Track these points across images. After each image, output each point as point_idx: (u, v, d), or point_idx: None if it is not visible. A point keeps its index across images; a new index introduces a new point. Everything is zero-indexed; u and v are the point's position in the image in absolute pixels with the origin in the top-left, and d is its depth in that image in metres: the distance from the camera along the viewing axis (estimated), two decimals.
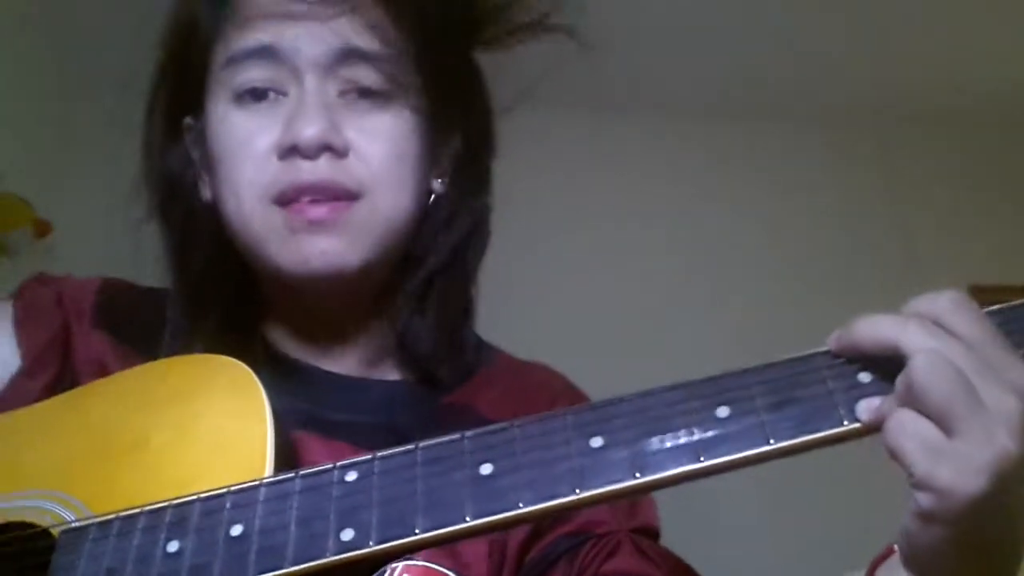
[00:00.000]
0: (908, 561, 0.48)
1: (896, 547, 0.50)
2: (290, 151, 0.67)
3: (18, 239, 2.27)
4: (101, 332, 0.74)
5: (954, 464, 0.43)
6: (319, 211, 0.67)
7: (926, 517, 0.45)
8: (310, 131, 0.66)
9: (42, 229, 2.33)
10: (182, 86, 0.74)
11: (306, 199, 0.67)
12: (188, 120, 0.75)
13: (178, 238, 0.74)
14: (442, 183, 0.76)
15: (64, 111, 2.65)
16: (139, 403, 0.62)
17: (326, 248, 0.68)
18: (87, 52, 2.55)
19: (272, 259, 0.69)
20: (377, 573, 0.59)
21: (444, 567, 0.65)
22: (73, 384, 0.70)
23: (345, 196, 0.68)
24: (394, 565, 0.61)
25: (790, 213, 3.05)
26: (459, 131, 0.76)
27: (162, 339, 0.71)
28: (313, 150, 0.67)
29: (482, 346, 0.81)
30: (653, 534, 0.74)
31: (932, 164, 3.16)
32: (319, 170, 0.67)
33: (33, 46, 2.49)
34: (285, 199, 0.68)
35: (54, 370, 0.72)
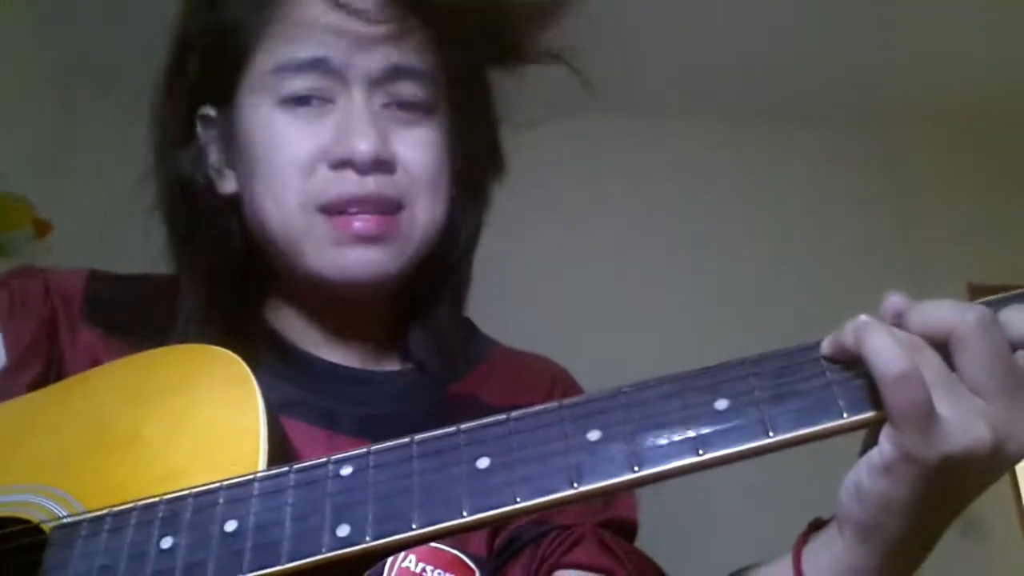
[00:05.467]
0: (849, 522, 0.49)
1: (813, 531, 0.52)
2: (343, 163, 0.69)
3: (18, 239, 2.27)
4: (92, 327, 0.74)
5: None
6: (367, 226, 0.69)
7: (888, 469, 0.46)
8: (365, 147, 0.68)
9: (42, 229, 2.32)
10: (207, 80, 0.74)
11: (354, 208, 0.69)
12: (208, 111, 0.75)
13: (186, 231, 0.75)
14: (453, 187, 0.77)
15: (64, 111, 2.65)
16: (130, 394, 0.61)
17: (370, 259, 0.70)
18: (87, 52, 2.55)
19: (309, 265, 0.70)
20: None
21: (446, 545, 0.67)
22: (60, 379, 0.69)
23: (390, 208, 0.70)
24: None
25: (791, 212, 3.05)
26: (471, 142, 0.78)
27: (153, 328, 0.71)
28: (367, 166, 0.68)
29: (479, 337, 0.83)
30: (627, 527, 0.75)
31: (932, 164, 3.16)
32: (369, 184, 0.69)
33: (33, 46, 2.49)
34: (332, 209, 0.69)
35: (41, 366, 0.71)
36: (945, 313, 0.46)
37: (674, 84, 2.92)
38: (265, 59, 0.71)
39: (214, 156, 0.75)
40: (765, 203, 3.05)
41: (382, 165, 0.69)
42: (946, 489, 0.46)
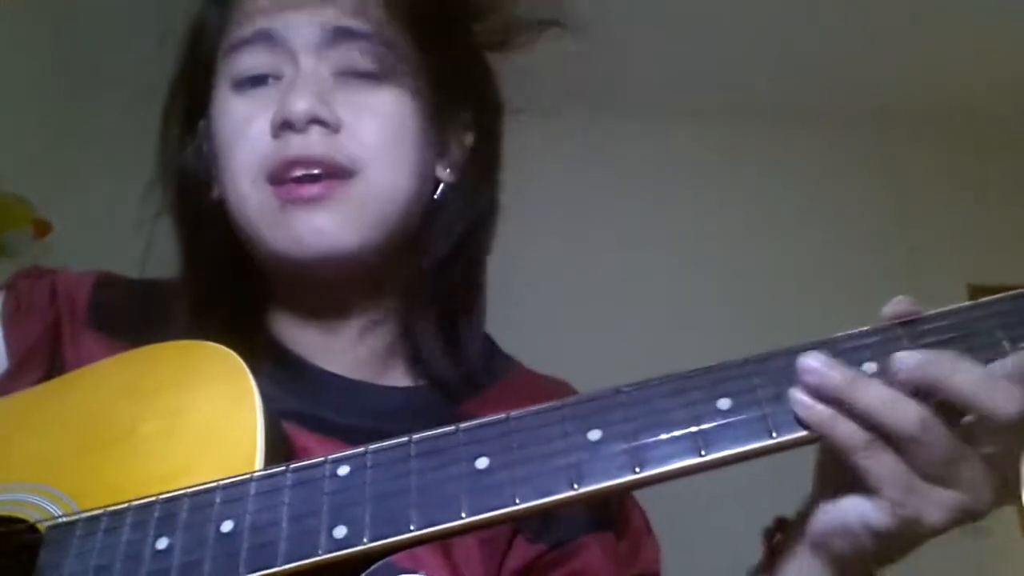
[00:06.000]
0: (823, 549, 0.50)
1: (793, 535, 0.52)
2: (282, 127, 0.67)
3: (18, 239, 2.27)
4: (96, 331, 0.73)
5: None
6: (311, 188, 0.66)
7: (884, 536, 0.47)
8: (300, 105, 0.66)
9: (42, 229, 2.32)
10: (196, 89, 0.74)
11: (299, 172, 0.67)
12: (203, 122, 0.75)
13: (189, 235, 0.74)
14: (450, 172, 0.75)
15: (64, 111, 2.65)
16: (126, 391, 0.61)
17: (320, 226, 0.67)
18: (87, 53, 2.55)
19: (267, 242, 0.69)
20: None
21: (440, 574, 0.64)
22: None
23: (338, 173, 0.67)
24: None
25: (790, 212, 3.05)
26: (468, 120, 0.75)
27: (158, 334, 0.70)
28: (303, 122, 0.66)
29: (498, 356, 0.80)
30: None
31: (932, 164, 3.16)
32: (311, 144, 0.67)
33: (33, 46, 2.48)
34: (278, 176, 0.67)
35: (43, 369, 0.70)
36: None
37: (674, 84, 2.92)
38: (224, 48, 0.71)
39: (209, 159, 0.74)
40: (765, 203, 3.05)
41: (322, 124, 0.67)
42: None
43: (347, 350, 0.74)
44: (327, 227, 0.67)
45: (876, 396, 0.45)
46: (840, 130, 3.11)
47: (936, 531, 0.46)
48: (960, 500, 0.45)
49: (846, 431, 0.45)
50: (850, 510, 0.47)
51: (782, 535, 0.53)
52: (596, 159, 3.01)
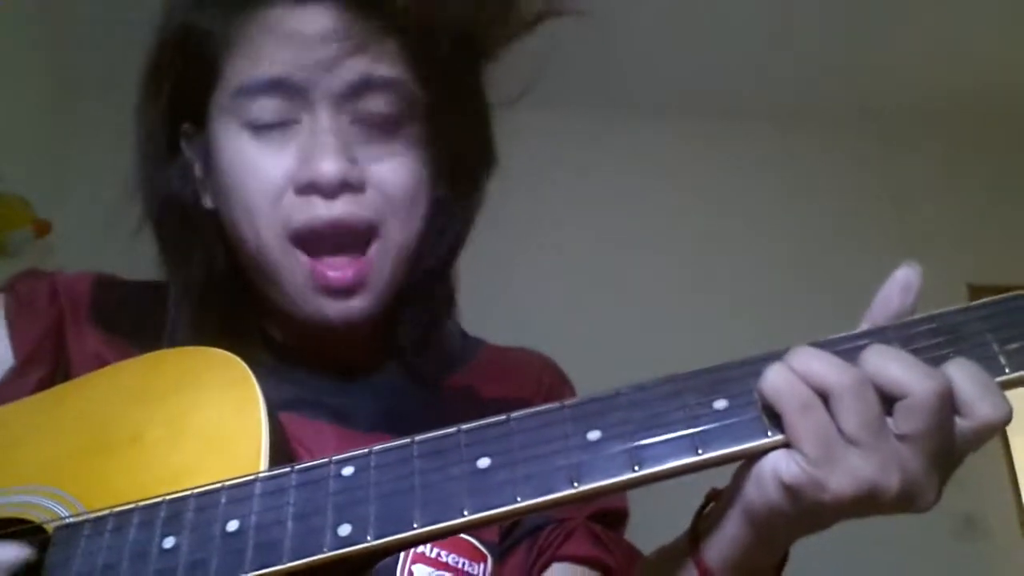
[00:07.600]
0: (740, 505, 0.51)
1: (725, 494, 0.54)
2: (308, 187, 0.67)
3: (18, 239, 2.27)
4: (97, 328, 0.74)
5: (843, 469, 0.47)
6: (344, 276, 0.68)
7: (790, 490, 0.48)
8: (330, 169, 0.66)
9: (42, 229, 2.33)
10: (182, 97, 0.72)
11: (326, 249, 0.68)
12: (187, 126, 0.74)
13: (178, 246, 0.74)
14: (442, 188, 0.76)
15: (63, 111, 2.66)
16: (132, 397, 0.62)
17: (347, 307, 0.69)
18: (86, 52, 2.55)
19: (284, 300, 0.70)
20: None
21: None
22: (68, 380, 0.69)
23: (363, 229, 0.68)
24: None
25: (789, 212, 3.06)
26: (459, 139, 0.76)
27: (158, 333, 0.71)
28: (333, 189, 0.66)
29: (467, 336, 0.84)
30: (616, 515, 0.77)
31: (932, 164, 3.16)
32: (336, 208, 0.67)
33: (32, 46, 2.49)
34: (301, 238, 0.68)
35: (48, 367, 0.71)
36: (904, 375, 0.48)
37: (674, 84, 2.93)
38: (230, 79, 0.69)
39: (198, 171, 0.74)
40: (764, 203, 3.06)
41: (350, 187, 0.67)
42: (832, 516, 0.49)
43: (341, 348, 0.76)
44: (355, 307, 0.69)
45: (826, 360, 0.48)
46: (839, 130, 3.12)
47: (838, 504, 0.47)
48: (870, 473, 0.46)
49: (798, 389, 0.47)
50: (766, 461, 0.49)
51: (716, 504, 0.55)
52: (595, 158, 3.02)
